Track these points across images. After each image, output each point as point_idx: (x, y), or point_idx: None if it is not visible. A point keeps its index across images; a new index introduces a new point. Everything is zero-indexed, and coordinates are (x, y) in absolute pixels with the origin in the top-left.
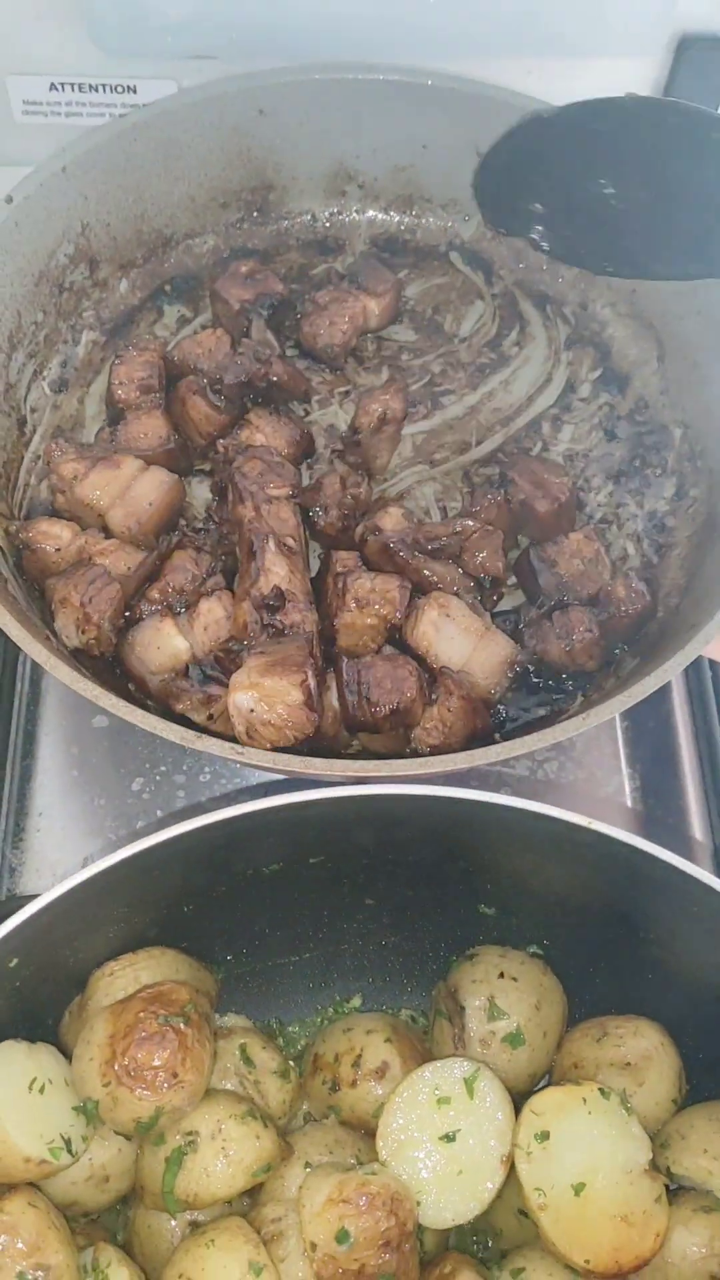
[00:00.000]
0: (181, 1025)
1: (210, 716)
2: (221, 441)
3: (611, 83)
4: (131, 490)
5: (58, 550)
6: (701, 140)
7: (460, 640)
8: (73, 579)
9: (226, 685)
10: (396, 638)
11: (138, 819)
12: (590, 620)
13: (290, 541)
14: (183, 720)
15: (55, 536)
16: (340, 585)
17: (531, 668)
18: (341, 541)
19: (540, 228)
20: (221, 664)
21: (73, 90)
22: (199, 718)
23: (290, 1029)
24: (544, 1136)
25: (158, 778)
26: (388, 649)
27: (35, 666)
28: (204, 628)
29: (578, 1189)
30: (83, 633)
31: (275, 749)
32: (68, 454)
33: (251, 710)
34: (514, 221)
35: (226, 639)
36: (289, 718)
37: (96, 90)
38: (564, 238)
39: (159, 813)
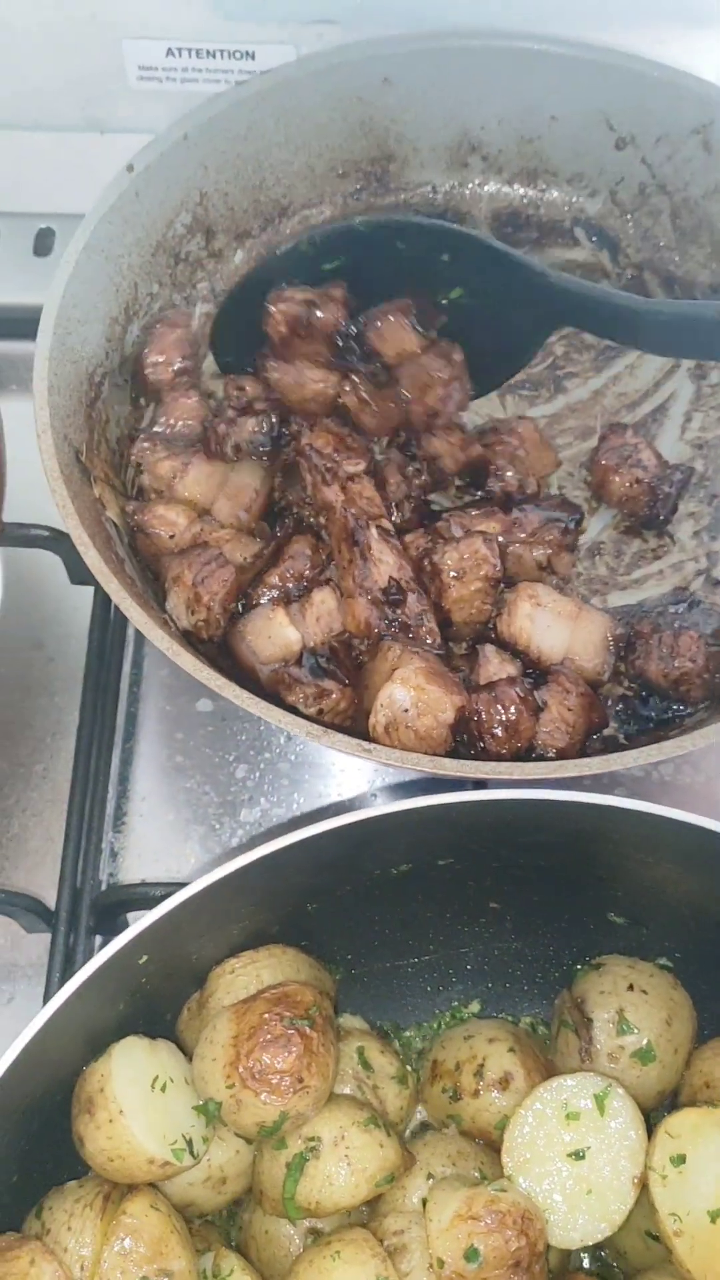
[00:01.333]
0: (307, 1029)
1: (321, 710)
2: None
3: None
4: (232, 481)
5: (172, 536)
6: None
7: (557, 627)
8: (188, 558)
9: (340, 679)
10: (492, 635)
11: (241, 807)
12: (700, 648)
13: (386, 523)
14: (291, 711)
15: (171, 523)
16: (429, 566)
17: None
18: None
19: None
20: (336, 656)
21: (189, 56)
22: (310, 710)
23: (406, 1033)
24: (680, 1160)
25: (263, 765)
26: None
27: (138, 649)
28: (316, 618)
29: (714, 1215)
30: (192, 613)
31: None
32: (159, 452)
33: (406, 710)
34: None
35: (340, 631)
36: (434, 732)
37: (214, 56)
38: None
39: (263, 801)
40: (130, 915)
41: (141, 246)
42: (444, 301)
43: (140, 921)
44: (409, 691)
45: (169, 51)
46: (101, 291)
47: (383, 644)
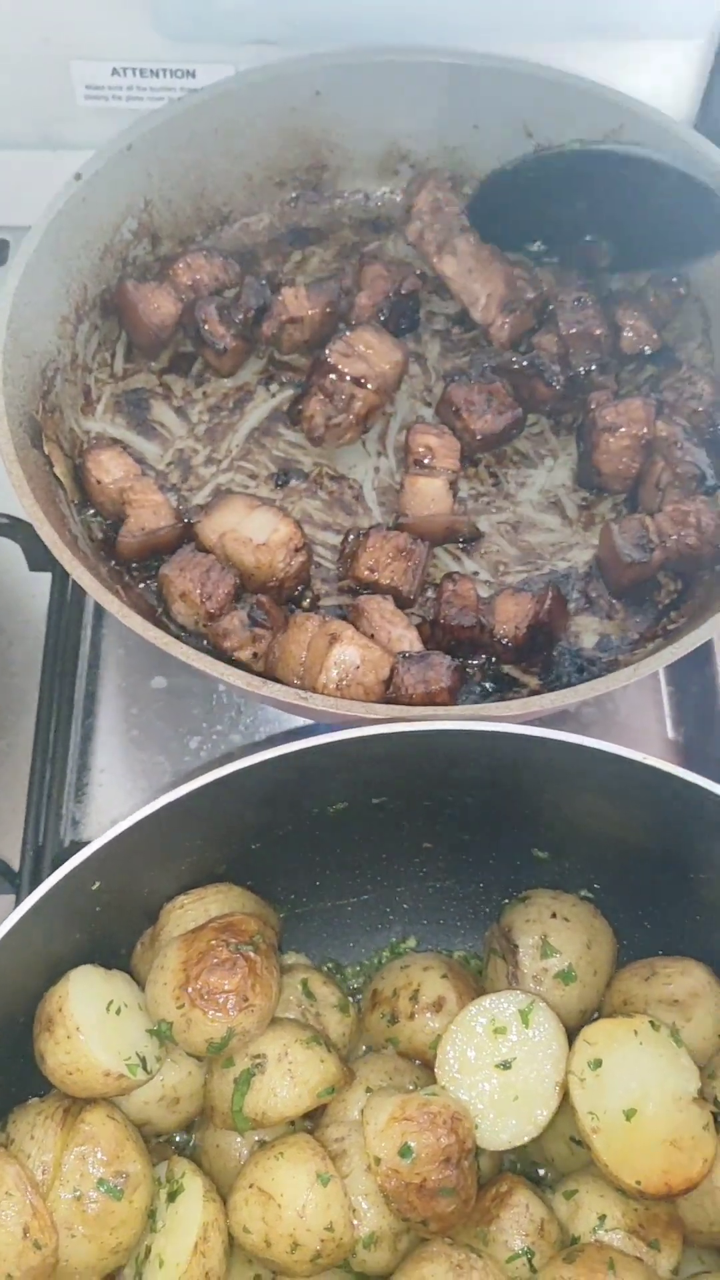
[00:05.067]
0: (251, 953)
1: (255, 655)
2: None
3: (659, 65)
4: (246, 526)
5: (99, 482)
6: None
7: None
8: (188, 573)
9: (268, 628)
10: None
11: (194, 776)
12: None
13: None
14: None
15: (106, 469)
16: (591, 421)
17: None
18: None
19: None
20: (264, 607)
21: (134, 75)
22: (245, 655)
23: (348, 969)
24: (597, 1064)
25: (214, 736)
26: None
27: (96, 630)
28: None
29: (629, 1114)
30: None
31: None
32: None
33: (357, 666)
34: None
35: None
36: (376, 687)
37: (157, 75)
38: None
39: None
40: None
41: (90, 250)
42: None
43: (90, 845)
44: (358, 650)
45: (114, 71)
46: (53, 292)
47: (296, 616)
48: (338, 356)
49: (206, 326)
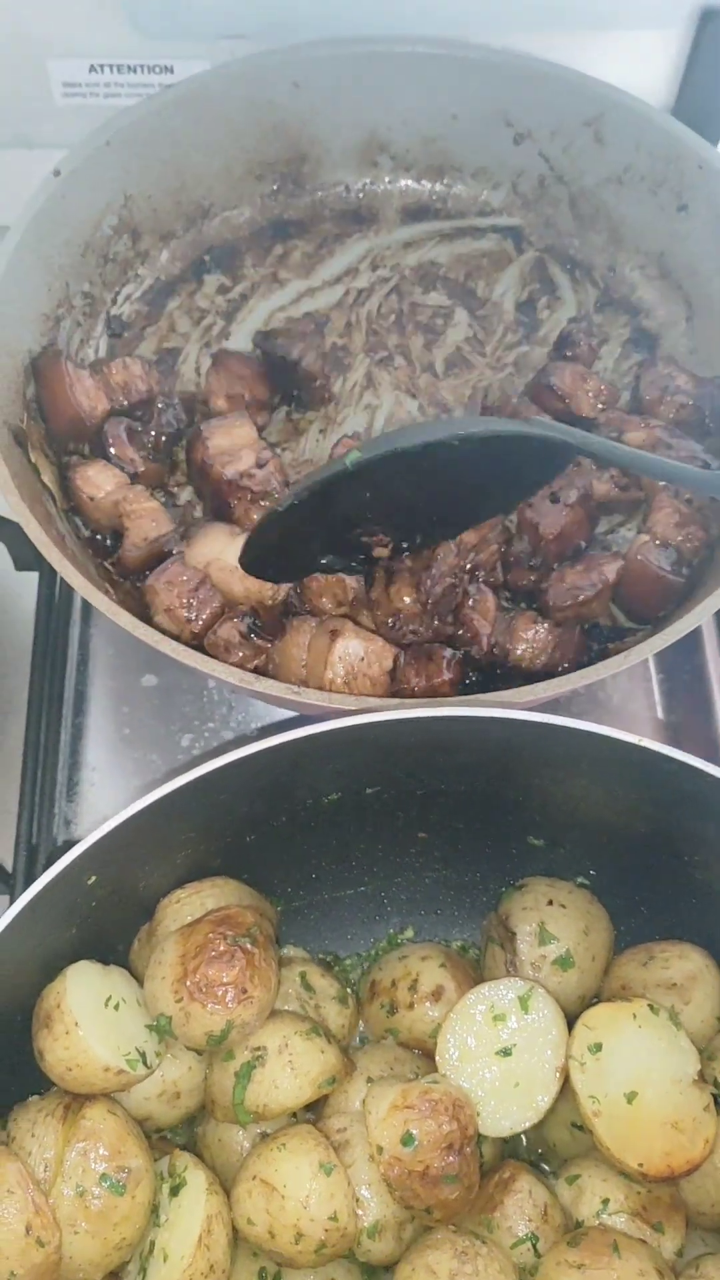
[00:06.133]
0: (248, 945)
1: (256, 668)
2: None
3: (634, 56)
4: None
5: (92, 499)
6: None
7: None
8: (175, 588)
9: (267, 639)
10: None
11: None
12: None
13: None
14: None
15: (96, 485)
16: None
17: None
18: None
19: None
20: (260, 617)
21: (111, 72)
22: (249, 668)
23: (346, 961)
24: (597, 1048)
25: (206, 734)
26: None
27: (84, 630)
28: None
29: (630, 1097)
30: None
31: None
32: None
33: (362, 658)
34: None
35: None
36: (381, 679)
37: (134, 71)
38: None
39: None
40: None
41: (71, 247)
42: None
43: (85, 840)
44: (361, 642)
45: (91, 68)
46: (34, 289)
47: (293, 620)
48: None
49: (114, 450)
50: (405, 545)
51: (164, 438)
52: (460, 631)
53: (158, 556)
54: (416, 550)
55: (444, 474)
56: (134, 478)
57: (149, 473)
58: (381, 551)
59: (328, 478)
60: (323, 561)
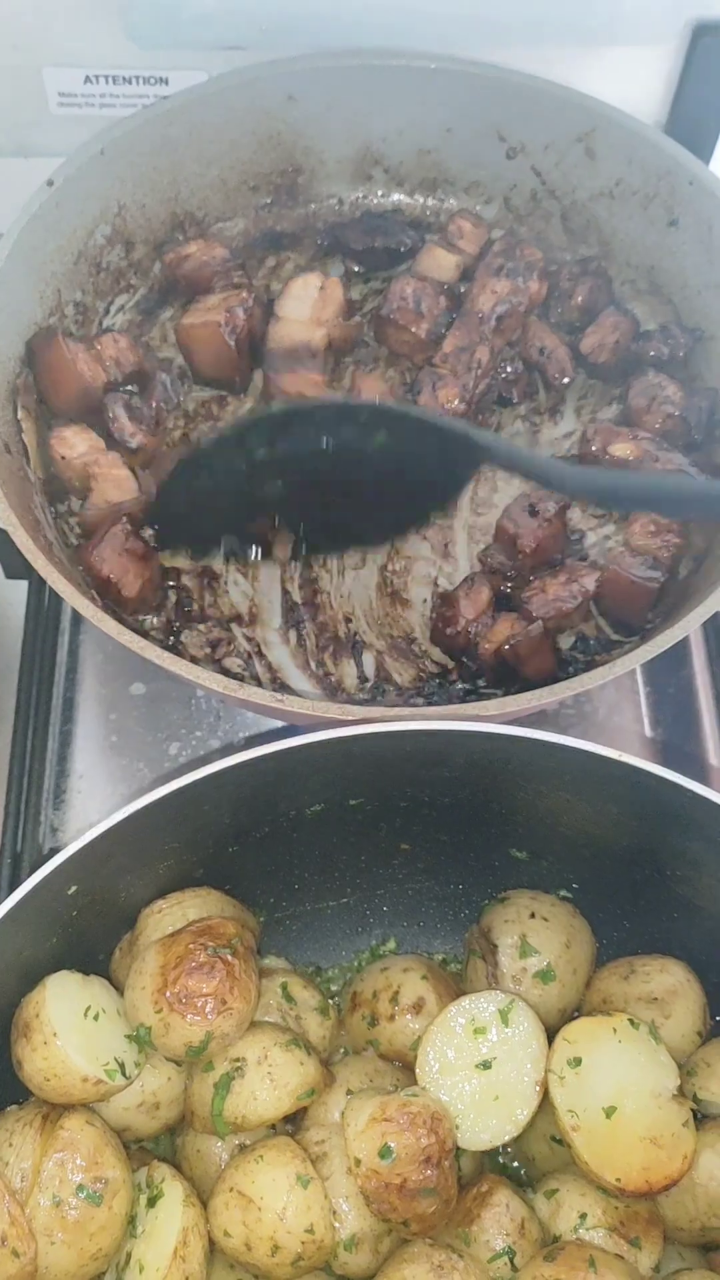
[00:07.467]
0: (229, 956)
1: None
2: None
3: (628, 72)
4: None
5: (63, 458)
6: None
7: None
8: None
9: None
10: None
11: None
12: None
13: None
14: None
15: (70, 445)
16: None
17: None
18: None
19: None
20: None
21: (107, 82)
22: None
23: (328, 973)
24: (576, 1062)
25: (194, 742)
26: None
27: (73, 637)
28: None
29: (609, 1112)
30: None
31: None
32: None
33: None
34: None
35: None
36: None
37: (130, 82)
38: None
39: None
40: None
41: (64, 255)
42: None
43: (65, 849)
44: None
45: (87, 78)
46: (25, 298)
47: None
48: None
49: (115, 425)
50: (304, 549)
51: (161, 411)
52: (446, 611)
53: (115, 522)
54: (314, 555)
55: (355, 472)
56: (134, 452)
57: (148, 447)
58: (280, 553)
59: (248, 422)
60: (222, 538)
